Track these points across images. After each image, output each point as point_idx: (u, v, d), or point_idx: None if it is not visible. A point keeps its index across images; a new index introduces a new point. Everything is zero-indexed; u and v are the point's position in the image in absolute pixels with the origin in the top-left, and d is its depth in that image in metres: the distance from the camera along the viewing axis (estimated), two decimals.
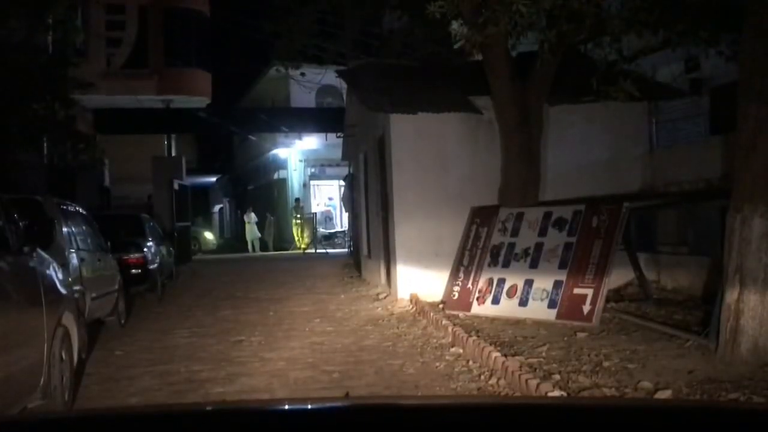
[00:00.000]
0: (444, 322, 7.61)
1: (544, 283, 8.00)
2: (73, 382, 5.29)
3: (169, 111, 24.53)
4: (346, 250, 21.07)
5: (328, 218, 27.20)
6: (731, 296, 5.22)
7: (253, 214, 27.73)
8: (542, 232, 8.48)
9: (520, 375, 5.10)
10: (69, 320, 5.14)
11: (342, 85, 15.64)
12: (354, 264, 15.45)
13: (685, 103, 9.92)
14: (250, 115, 25.14)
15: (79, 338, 5.40)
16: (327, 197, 28.62)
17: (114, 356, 7.15)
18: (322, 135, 25.57)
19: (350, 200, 17.26)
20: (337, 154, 17.20)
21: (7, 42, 13.33)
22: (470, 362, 6.09)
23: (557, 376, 5.17)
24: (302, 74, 17.12)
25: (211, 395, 5.53)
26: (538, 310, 7.82)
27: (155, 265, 11.52)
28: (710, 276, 7.52)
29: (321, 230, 25.48)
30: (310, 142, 27.50)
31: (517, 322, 7.58)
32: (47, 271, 4.99)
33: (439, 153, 9.79)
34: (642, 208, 8.02)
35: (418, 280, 9.66)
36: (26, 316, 4.42)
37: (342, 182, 22.15)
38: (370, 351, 6.99)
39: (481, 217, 9.34)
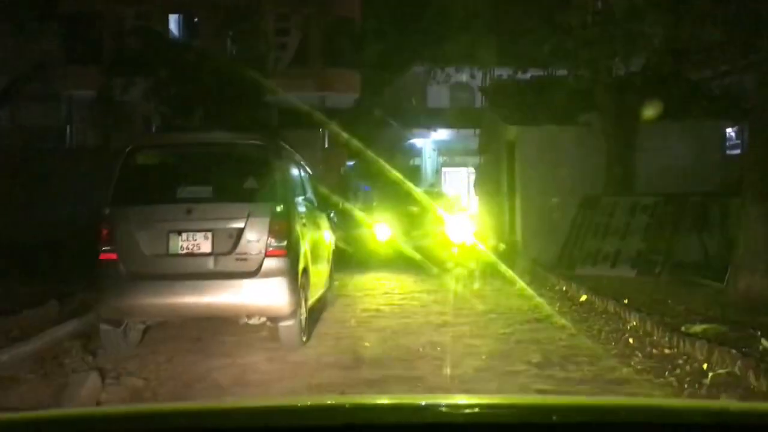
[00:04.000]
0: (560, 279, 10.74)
1: (630, 251, 11.17)
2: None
3: (323, 108, 28.69)
4: None
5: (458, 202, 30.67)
6: (736, 257, 8.34)
7: None
8: (631, 215, 11.63)
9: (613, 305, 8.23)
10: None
11: (474, 82, 19.03)
12: None
13: None
14: (393, 112, 28.84)
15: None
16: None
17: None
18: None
19: (481, 187, 20.64)
20: (465, 144, 20.65)
21: (222, 57, 17.73)
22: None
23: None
24: (442, 70, 20.20)
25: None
26: (624, 270, 11.01)
27: None
28: None
29: None
30: (442, 133, 31.07)
31: (612, 278, 10.57)
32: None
33: (555, 155, 13.03)
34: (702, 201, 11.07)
35: (537, 249, 12.97)
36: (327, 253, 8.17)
37: (470, 169, 25.67)
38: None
39: (589, 203, 12.54)
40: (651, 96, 12.30)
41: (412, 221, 15.89)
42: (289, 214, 6.34)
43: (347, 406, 1.96)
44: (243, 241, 6.02)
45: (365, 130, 39.59)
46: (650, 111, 12.43)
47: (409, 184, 20.02)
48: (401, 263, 12.50)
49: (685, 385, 4.94)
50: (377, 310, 8.52)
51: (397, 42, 28.27)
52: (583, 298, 9.04)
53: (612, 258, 11.36)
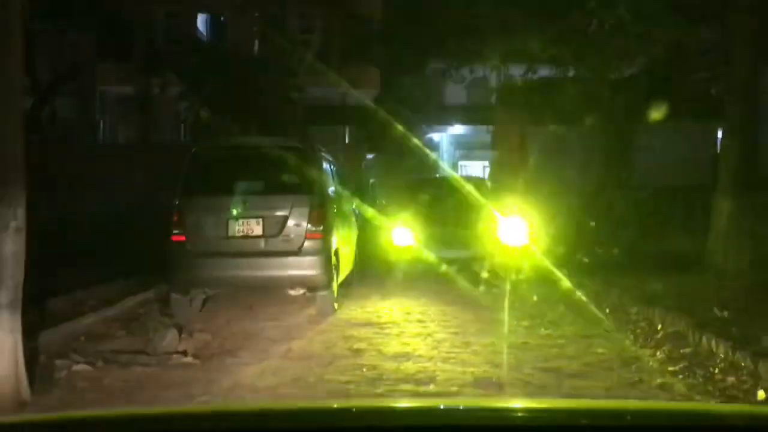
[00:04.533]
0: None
1: (625, 239, 12.42)
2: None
3: (345, 104, 29.99)
4: None
5: None
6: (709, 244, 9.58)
7: None
8: (626, 207, 12.88)
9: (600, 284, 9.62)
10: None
11: (490, 79, 20.35)
12: None
13: None
14: (412, 108, 30.17)
15: None
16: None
17: None
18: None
19: (495, 179, 21.92)
20: (481, 138, 21.94)
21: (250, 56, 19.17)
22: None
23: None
24: (457, 70, 21.52)
25: None
26: (619, 256, 12.25)
27: None
28: None
29: None
30: (459, 128, 32.38)
31: (609, 264, 11.86)
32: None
33: (560, 153, 14.30)
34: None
35: (545, 240, 14.19)
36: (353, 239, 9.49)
37: (486, 163, 27.06)
38: None
39: (590, 197, 13.80)
40: (647, 98, 13.52)
41: (448, 221, 11.46)
42: (324, 205, 7.70)
43: (354, 410, 1.99)
44: (287, 226, 7.40)
45: (385, 126, 40.89)
46: (647, 113, 13.66)
47: (445, 173, 17.49)
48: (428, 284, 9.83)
49: (639, 339, 6.26)
50: None
51: (413, 41, 29.46)
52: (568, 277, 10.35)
53: (609, 245, 12.61)
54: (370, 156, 45.44)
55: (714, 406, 3.55)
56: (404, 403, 2.50)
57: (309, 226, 7.41)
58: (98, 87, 26.77)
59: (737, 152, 9.51)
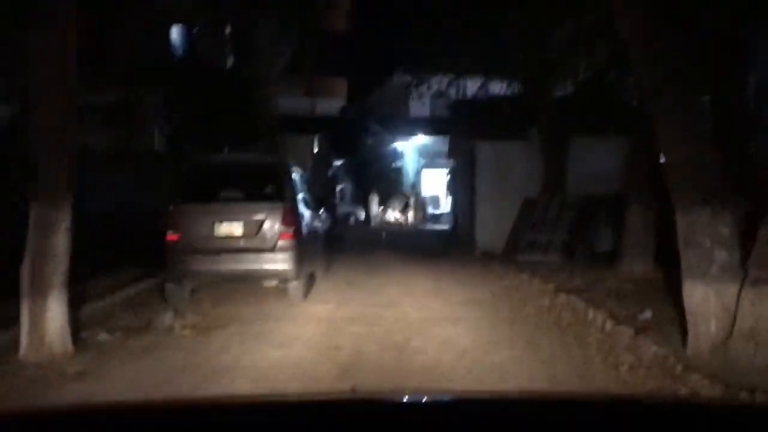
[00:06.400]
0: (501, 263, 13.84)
1: (558, 241, 14.15)
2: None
3: (313, 114, 31.47)
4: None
5: (435, 201, 33.72)
6: (620, 247, 11.32)
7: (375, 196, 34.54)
8: (560, 212, 14.62)
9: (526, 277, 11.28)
10: None
11: (447, 95, 22.11)
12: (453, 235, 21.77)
13: None
14: (379, 119, 31.80)
15: None
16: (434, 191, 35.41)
17: None
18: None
19: (452, 188, 23.61)
20: (445, 147, 23.56)
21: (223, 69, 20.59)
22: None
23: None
24: (417, 87, 23.09)
25: None
26: (553, 256, 13.98)
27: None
28: None
29: (430, 210, 32.07)
30: (423, 138, 34.14)
31: (543, 263, 13.62)
32: None
33: (505, 163, 16.00)
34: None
35: (491, 241, 15.91)
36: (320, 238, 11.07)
37: (447, 171, 28.74)
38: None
39: (529, 202, 15.52)
40: (580, 114, 15.29)
41: None
42: (294, 210, 9.28)
43: (351, 400, 1.99)
44: (263, 228, 8.96)
45: (352, 135, 42.51)
46: (579, 127, 15.44)
47: None
48: None
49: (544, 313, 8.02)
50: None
51: (380, 55, 31.17)
52: (511, 275, 12.10)
53: (544, 246, 14.34)
54: (338, 162, 46.94)
55: (711, 400, 3.55)
56: (401, 396, 2.31)
57: (281, 228, 8.98)
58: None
59: (645, 164, 11.25)
